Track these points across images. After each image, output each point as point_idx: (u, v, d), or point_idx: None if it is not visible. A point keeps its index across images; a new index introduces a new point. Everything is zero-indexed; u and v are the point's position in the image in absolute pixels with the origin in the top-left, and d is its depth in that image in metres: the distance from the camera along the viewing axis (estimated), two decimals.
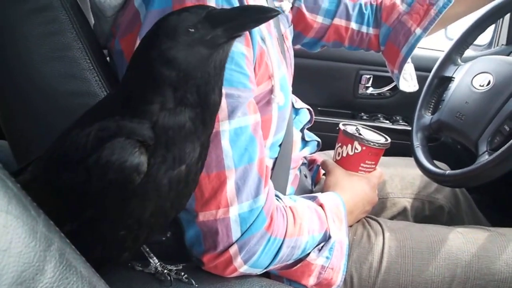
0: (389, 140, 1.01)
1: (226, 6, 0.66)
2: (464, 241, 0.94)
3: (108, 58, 0.84)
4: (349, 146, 0.99)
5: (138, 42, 0.68)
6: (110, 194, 0.51)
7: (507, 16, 1.59)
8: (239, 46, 0.69)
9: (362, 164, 0.99)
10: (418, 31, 1.08)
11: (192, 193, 0.63)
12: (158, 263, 0.72)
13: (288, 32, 1.05)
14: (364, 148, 0.98)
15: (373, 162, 1.00)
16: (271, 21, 0.86)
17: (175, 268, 0.72)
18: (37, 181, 0.57)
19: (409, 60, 1.11)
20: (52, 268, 0.32)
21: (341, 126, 1.02)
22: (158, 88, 0.52)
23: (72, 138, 0.54)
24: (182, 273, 0.71)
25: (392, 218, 1.17)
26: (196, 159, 0.57)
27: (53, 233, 0.34)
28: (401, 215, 1.18)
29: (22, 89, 0.77)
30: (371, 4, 1.16)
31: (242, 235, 0.71)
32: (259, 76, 0.76)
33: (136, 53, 0.56)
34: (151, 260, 0.72)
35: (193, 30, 0.51)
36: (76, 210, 0.54)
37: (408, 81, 1.16)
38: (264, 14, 0.52)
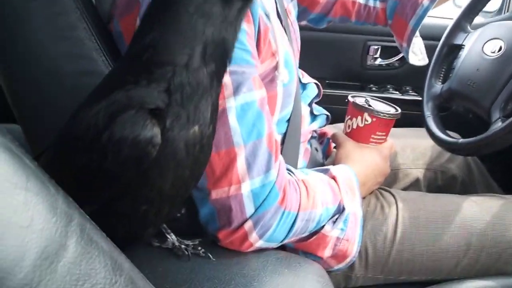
0: (399, 110, 1.00)
1: None
2: (479, 210, 0.93)
3: None
4: (359, 118, 0.98)
5: (137, 23, 0.67)
6: (128, 170, 0.51)
7: None
8: None
9: (373, 136, 0.99)
10: (426, 2, 1.06)
11: (208, 160, 0.63)
12: (176, 239, 0.73)
13: (291, 6, 1.03)
14: (374, 119, 0.97)
15: (383, 133, 1.00)
16: None
17: (192, 243, 0.73)
18: (53, 165, 0.57)
19: (418, 33, 1.10)
20: (74, 243, 0.33)
21: (350, 98, 1.01)
22: (188, 43, 0.51)
23: (82, 118, 0.53)
24: (199, 248, 0.72)
25: (405, 189, 1.16)
26: (208, 120, 0.56)
27: (73, 209, 0.34)
28: (414, 186, 1.18)
29: (30, 72, 0.77)
30: None
31: (256, 210, 0.72)
32: (264, 53, 0.75)
33: (167, 3, 0.53)
34: (168, 236, 0.73)
35: None
36: (95, 191, 0.53)
37: (417, 55, 1.15)
38: None
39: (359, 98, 1.02)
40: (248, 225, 0.72)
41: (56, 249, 0.31)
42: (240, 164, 0.70)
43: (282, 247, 0.80)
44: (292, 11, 1.04)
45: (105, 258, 0.34)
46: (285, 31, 0.86)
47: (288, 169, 0.80)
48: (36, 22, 0.74)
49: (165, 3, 0.52)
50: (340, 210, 0.83)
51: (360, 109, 0.98)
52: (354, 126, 1.00)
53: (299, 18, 1.15)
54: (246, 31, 0.69)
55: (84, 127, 0.52)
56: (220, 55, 0.54)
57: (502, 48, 1.06)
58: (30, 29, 0.75)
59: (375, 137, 0.99)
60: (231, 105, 0.68)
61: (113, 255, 0.36)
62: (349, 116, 1.01)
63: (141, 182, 0.53)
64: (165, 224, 0.73)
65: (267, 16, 0.75)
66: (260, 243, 0.74)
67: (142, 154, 0.50)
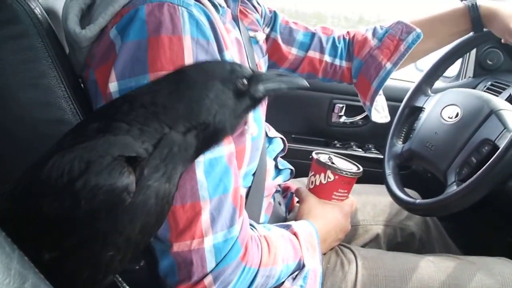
0: (361, 168, 1.03)
1: (202, 39, 0.68)
2: (435, 270, 0.95)
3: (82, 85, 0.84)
4: (322, 175, 1.00)
5: (112, 73, 0.69)
6: (100, 216, 0.51)
7: (474, 50, 1.65)
8: None
9: (335, 193, 1.01)
10: (389, 65, 1.11)
11: (169, 210, 0.63)
12: None
13: (263, 62, 1.07)
14: (336, 177, 0.99)
15: (345, 191, 1.02)
16: (244, 51, 0.88)
17: None
18: (15, 209, 0.55)
19: (381, 92, 1.15)
20: None
21: (314, 155, 1.04)
22: (194, 118, 0.55)
23: (54, 164, 0.52)
24: None
25: (365, 245, 1.18)
26: (177, 182, 0.58)
27: (28, 269, 0.33)
28: (374, 242, 1.20)
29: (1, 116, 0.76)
30: (344, 38, 1.20)
31: (216, 265, 0.71)
32: None
33: (176, 75, 0.57)
34: None
35: (245, 80, 0.57)
36: (60, 237, 0.52)
37: (380, 112, 1.19)
38: (295, 83, 0.62)
39: (323, 155, 1.05)
40: (208, 280, 0.71)
41: None
42: (205, 218, 0.70)
43: None
44: (263, 66, 1.07)
45: None
46: None
47: (251, 224, 0.81)
48: (7, 67, 0.74)
49: (190, 81, 0.56)
50: (300, 267, 0.83)
51: (323, 166, 1.00)
52: (317, 183, 1.02)
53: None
54: None
55: (57, 171, 0.51)
56: (213, 139, 0.58)
57: (459, 114, 1.12)
58: (1, 71, 0.74)
59: (337, 194, 1.01)
60: (200, 159, 0.69)
61: None
62: (313, 173, 1.03)
63: (111, 228, 0.53)
64: (121, 278, 0.71)
65: None
66: None
67: (117, 201, 0.50)
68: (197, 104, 0.55)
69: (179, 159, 0.55)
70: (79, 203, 0.50)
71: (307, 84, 0.64)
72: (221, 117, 0.56)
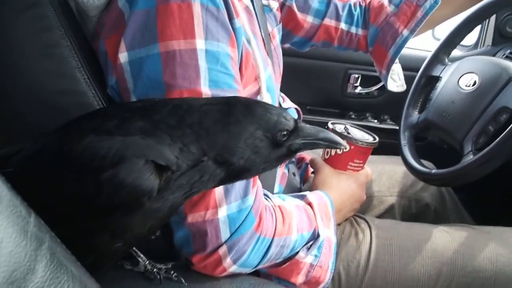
0: (377, 139, 1.02)
1: (211, 6, 0.67)
2: (450, 239, 0.95)
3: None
4: None
5: (122, 43, 0.68)
6: (115, 211, 0.51)
7: (493, 17, 1.61)
8: (224, 47, 0.69)
9: (350, 163, 1.00)
10: (405, 32, 1.09)
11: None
12: (147, 262, 0.72)
13: (276, 31, 1.05)
14: (352, 147, 0.98)
15: (361, 161, 1.01)
16: (256, 20, 0.86)
17: (164, 266, 0.72)
18: (34, 171, 0.56)
19: (397, 60, 1.13)
20: (43, 268, 0.32)
21: (329, 125, 1.03)
22: (231, 150, 0.55)
23: (90, 144, 0.51)
24: (172, 272, 0.72)
25: (379, 216, 1.18)
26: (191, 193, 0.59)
27: (44, 233, 0.34)
28: (388, 213, 1.19)
29: (8, 87, 0.76)
30: (360, 5, 1.17)
31: (231, 235, 0.72)
32: (246, 78, 0.76)
33: (227, 105, 0.56)
34: (139, 259, 0.72)
35: (285, 133, 0.57)
36: (72, 217, 0.53)
37: (396, 81, 1.17)
38: (334, 143, 0.61)
39: (338, 125, 1.04)
40: (222, 250, 0.72)
41: (24, 273, 0.31)
42: (218, 189, 0.70)
43: (256, 273, 0.80)
44: (277, 35, 1.05)
45: (74, 283, 0.34)
46: (268, 55, 0.88)
47: (265, 195, 0.81)
48: (20, 37, 0.74)
49: (236, 116, 0.55)
50: (315, 237, 0.84)
51: (339, 137, 0.99)
52: (333, 153, 1.01)
53: (283, 40, 1.17)
54: (231, 55, 0.70)
55: (88, 156, 0.51)
56: (239, 176, 0.58)
57: (477, 82, 1.09)
58: (13, 43, 0.74)
59: (353, 164, 1.01)
60: None
61: (82, 279, 0.36)
62: None
63: (122, 224, 0.54)
64: (138, 247, 0.72)
65: (248, 41, 0.76)
66: (234, 268, 0.74)
67: (136, 202, 0.51)
68: (234, 144, 0.55)
69: (204, 186, 0.56)
70: (100, 193, 0.50)
71: (345, 144, 0.64)
72: (251, 163, 0.56)
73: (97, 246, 0.55)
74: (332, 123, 1.04)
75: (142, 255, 0.72)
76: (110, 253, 0.58)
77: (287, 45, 1.24)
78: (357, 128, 1.06)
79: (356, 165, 1.01)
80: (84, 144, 0.52)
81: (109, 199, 0.50)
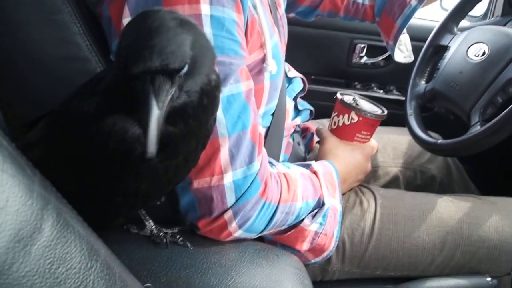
0: (386, 111, 1.01)
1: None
2: (455, 209, 0.95)
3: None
4: (346, 115, 0.98)
5: (126, 8, 0.67)
6: (109, 163, 0.52)
7: None
8: (230, 13, 0.68)
9: (357, 134, 1.00)
10: (414, 2, 1.07)
11: (190, 171, 0.64)
12: (154, 226, 0.73)
13: (281, 0, 1.03)
14: (360, 118, 0.97)
15: (368, 133, 1.01)
16: None
17: (170, 231, 0.73)
18: (40, 143, 0.58)
19: (405, 31, 1.11)
20: (50, 227, 0.32)
21: (338, 96, 1.02)
22: None
23: (76, 103, 0.54)
24: (178, 236, 0.72)
25: (384, 186, 1.17)
26: (194, 153, 0.59)
27: (50, 193, 0.34)
28: (393, 184, 1.19)
29: (11, 54, 0.75)
30: None
31: (236, 201, 0.72)
32: (251, 44, 0.75)
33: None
34: (146, 223, 0.72)
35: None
36: (74, 174, 0.54)
37: (403, 52, 1.16)
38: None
39: (347, 96, 1.02)
40: (228, 214, 0.72)
41: (31, 231, 0.31)
42: (224, 155, 0.70)
43: (261, 239, 0.81)
44: (282, 4, 1.03)
45: (81, 243, 0.34)
46: (274, 23, 0.86)
47: (270, 162, 0.81)
48: (21, 3, 0.73)
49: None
50: (320, 205, 0.84)
51: (348, 107, 0.98)
52: (340, 124, 1.00)
53: (288, 10, 1.15)
54: (236, 21, 0.69)
55: (76, 111, 0.53)
56: None
57: (486, 52, 1.07)
58: (14, 10, 0.73)
59: (360, 136, 1.00)
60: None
61: (89, 240, 0.36)
62: (336, 113, 1.01)
63: (117, 179, 0.54)
64: (144, 210, 0.73)
65: (254, 7, 0.75)
66: (239, 233, 0.74)
67: (128, 149, 0.50)
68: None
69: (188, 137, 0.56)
70: (92, 147, 0.52)
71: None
72: None
73: (98, 198, 0.56)
74: (341, 93, 1.02)
75: (149, 219, 0.72)
76: (113, 208, 0.58)
77: (292, 15, 1.22)
78: (366, 100, 1.04)
79: (363, 136, 1.00)
80: (73, 104, 0.55)
81: (101, 151, 0.51)
